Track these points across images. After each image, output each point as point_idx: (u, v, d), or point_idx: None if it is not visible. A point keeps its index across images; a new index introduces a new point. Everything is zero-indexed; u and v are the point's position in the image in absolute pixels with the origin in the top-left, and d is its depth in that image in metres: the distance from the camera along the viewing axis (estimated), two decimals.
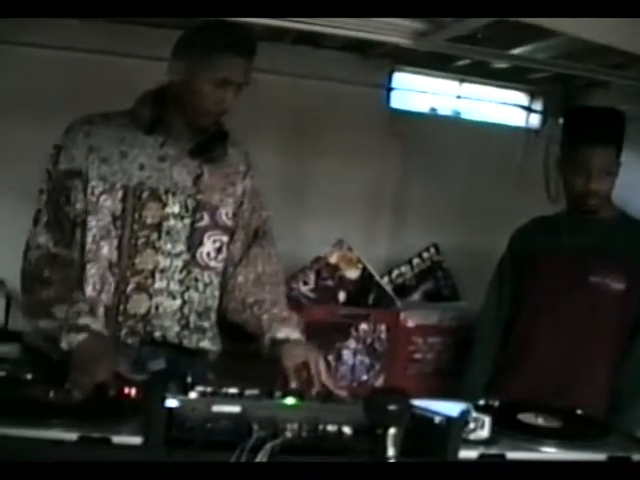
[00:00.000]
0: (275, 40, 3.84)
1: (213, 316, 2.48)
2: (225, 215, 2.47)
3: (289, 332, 2.38)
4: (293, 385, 2.20)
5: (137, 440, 1.69)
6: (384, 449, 1.67)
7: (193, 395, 1.77)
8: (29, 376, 2.07)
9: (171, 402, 1.71)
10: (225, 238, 2.48)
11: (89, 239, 2.33)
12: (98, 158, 2.35)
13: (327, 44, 4.02)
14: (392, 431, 1.67)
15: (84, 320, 2.21)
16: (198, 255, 2.42)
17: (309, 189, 4.18)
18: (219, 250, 2.46)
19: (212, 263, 2.45)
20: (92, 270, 2.33)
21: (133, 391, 1.92)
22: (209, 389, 1.81)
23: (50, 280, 2.29)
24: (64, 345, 2.16)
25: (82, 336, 2.16)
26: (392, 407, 1.68)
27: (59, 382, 1.95)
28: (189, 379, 1.82)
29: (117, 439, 1.69)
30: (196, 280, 2.42)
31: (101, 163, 2.34)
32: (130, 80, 2.55)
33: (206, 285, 2.45)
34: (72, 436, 1.67)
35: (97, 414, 1.80)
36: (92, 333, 2.18)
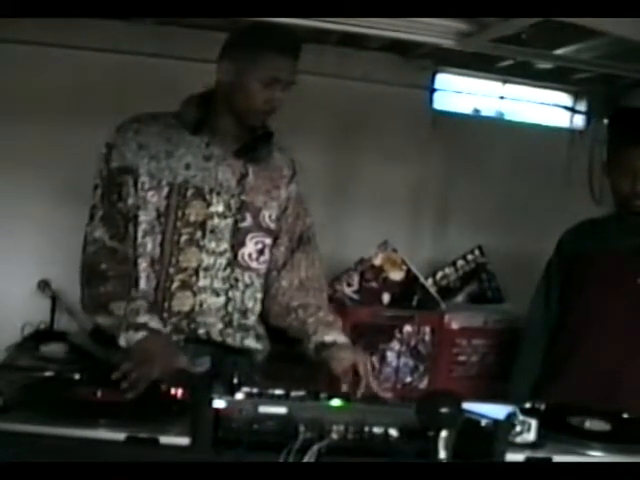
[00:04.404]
0: (319, 42, 3.84)
1: (252, 317, 2.48)
2: (268, 217, 2.48)
3: (336, 336, 2.39)
4: (344, 388, 2.20)
5: (184, 441, 1.70)
6: (433, 451, 1.66)
7: (240, 396, 1.76)
8: (76, 376, 2.09)
9: (218, 403, 1.71)
10: (268, 240, 2.48)
11: (140, 234, 2.36)
12: (147, 155, 2.38)
13: (370, 45, 4.01)
14: (444, 434, 1.65)
15: (143, 318, 2.22)
16: (240, 256, 2.43)
17: (353, 190, 4.17)
18: (261, 252, 2.47)
19: (254, 264, 2.46)
20: (143, 264, 2.36)
21: (180, 392, 1.93)
22: (255, 390, 1.81)
23: (107, 274, 2.31)
24: (122, 342, 2.17)
25: (141, 334, 2.17)
26: (444, 410, 1.66)
27: (106, 382, 1.96)
28: (235, 380, 1.82)
29: (164, 439, 1.70)
30: (236, 280, 2.43)
31: (150, 160, 2.38)
32: (176, 82, 2.56)
33: (247, 286, 2.45)
34: (120, 436, 1.68)
35: (144, 414, 1.81)
36: (150, 331, 2.19)
